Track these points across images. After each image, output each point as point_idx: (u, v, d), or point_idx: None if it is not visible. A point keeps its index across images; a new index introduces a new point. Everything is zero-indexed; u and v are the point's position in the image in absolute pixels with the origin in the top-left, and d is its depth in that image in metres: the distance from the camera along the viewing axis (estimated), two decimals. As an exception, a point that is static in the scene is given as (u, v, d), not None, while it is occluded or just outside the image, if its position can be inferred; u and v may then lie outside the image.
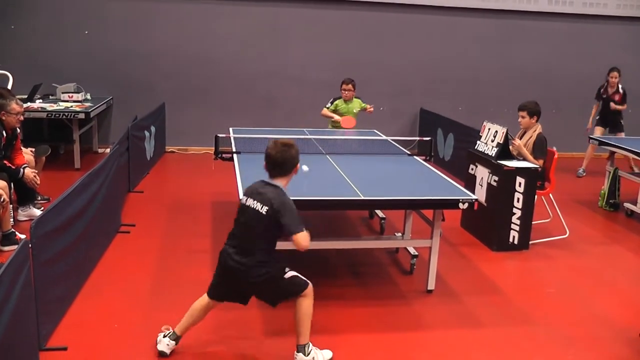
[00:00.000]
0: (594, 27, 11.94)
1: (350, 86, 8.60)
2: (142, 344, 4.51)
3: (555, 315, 5.30)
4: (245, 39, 10.99)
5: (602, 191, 8.63)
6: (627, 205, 8.24)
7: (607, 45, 11.98)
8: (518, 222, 6.71)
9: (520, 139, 7.17)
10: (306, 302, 4.24)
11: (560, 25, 11.79)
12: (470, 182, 7.25)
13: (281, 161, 4.18)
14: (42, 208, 7.02)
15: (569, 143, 10.89)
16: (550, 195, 7.21)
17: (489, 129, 7.19)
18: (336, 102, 8.67)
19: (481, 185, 7.04)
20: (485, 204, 6.86)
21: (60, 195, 4.83)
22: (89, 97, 10.25)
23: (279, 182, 4.22)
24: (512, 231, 6.73)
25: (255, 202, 4.16)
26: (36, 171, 6.79)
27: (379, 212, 7.33)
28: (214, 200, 8.12)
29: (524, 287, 6.01)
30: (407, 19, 11.37)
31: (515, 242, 6.76)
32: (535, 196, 6.78)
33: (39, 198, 7.38)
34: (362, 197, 5.17)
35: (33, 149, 7.29)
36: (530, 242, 6.86)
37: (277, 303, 4.30)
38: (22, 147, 6.86)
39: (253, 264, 4.15)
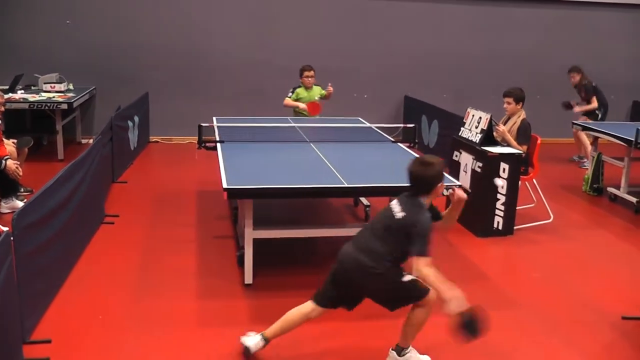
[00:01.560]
0: (580, 14, 11.94)
1: (312, 72, 8.59)
2: (127, 335, 4.49)
3: (540, 299, 5.33)
4: (230, 28, 10.94)
5: (586, 176, 8.67)
6: (611, 189, 8.29)
7: (594, 32, 12.01)
8: (502, 207, 6.73)
9: (505, 124, 7.19)
10: (423, 312, 4.06)
11: (546, 12, 11.81)
12: (454, 169, 7.26)
13: (421, 179, 4.03)
14: (25, 200, 6.97)
15: (553, 129, 10.91)
16: (534, 180, 7.23)
17: (473, 115, 7.20)
18: (297, 90, 8.64)
19: (465, 172, 7.05)
20: (469, 190, 6.86)
21: (43, 186, 4.79)
22: (71, 87, 10.17)
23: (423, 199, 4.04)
24: (496, 217, 6.75)
25: (396, 204, 4.03)
26: (18, 163, 6.75)
27: (364, 200, 7.33)
28: (198, 190, 8.09)
29: (509, 272, 6.04)
30: (392, 6, 11.34)
31: (500, 227, 6.78)
32: (519, 182, 6.81)
33: (22, 190, 7.32)
34: (346, 185, 5.17)
35: (15, 141, 7.24)
36: (515, 228, 6.88)
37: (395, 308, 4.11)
38: (3, 139, 6.80)
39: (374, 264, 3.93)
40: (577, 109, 10.07)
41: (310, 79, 8.57)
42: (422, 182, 4.00)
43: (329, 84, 8.62)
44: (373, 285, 4.01)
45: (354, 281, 4.02)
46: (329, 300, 4.13)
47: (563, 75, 10.43)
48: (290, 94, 8.63)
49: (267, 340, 4.16)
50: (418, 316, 4.04)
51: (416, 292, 4.00)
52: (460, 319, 3.63)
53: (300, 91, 8.61)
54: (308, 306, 4.14)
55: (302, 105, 8.50)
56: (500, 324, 4.86)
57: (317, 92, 8.65)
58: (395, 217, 3.94)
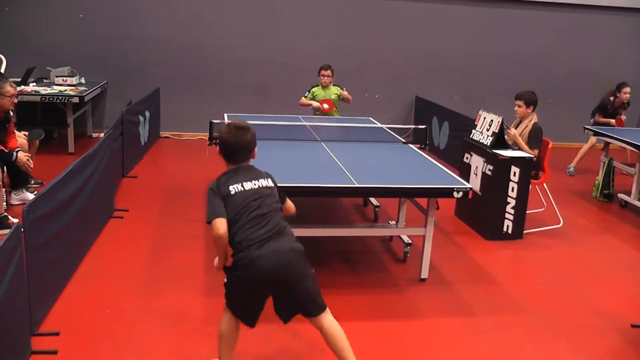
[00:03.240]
0: (591, 17, 11.89)
1: (329, 72, 8.57)
2: (135, 329, 4.50)
3: (547, 304, 5.31)
4: (239, 25, 10.93)
5: (597, 182, 8.64)
6: (621, 196, 8.26)
7: (604, 36, 11.96)
8: (512, 211, 6.70)
9: (516, 128, 7.17)
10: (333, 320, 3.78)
11: (557, 14, 11.75)
12: (464, 171, 7.25)
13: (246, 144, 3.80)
14: (35, 192, 6.99)
15: (563, 133, 10.88)
16: (545, 184, 7.21)
17: (484, 118, 7.18)
18: (313, 89, 8.65)
19: (476, 174, 7.04)
20: (479, 193, 6.85)
21: (53, 179, 4.80)
22: (83, 81, 10.19)
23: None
24: (506, 220, 6.73)
25: (255, 180, 3.73)
26: (29, 155, 6.75)
27: (373, 200, 7.33)
28: (207, 186, 8.08)
29: (517, 276, 6.02)
30: (403, 6, 11.32)
31: (509, 231, 6.76)
32: (530, 186, 6.79)
33: (32, 182, 7.35)
34: (357, 185, 5.16)
35: (26, 133, 7.26)
36: (524, 232, 6.86)
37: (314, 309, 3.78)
38: (15, 131, 6.81)
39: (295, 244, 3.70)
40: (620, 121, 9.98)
41: (326, 78, 8.55)
42: (247, 147, 3.80)
43: (343, 89, 8.61)
44: (308, 271, 3.77)
45: (293, 276, 3.66)
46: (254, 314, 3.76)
47: (575, 80, 10.40)
48: (307, 93, 8.63)
49: None
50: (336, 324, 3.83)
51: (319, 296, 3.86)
52: None
53: (317, 90, 8.61)
54: (231, 321, 3.81)
55: (315, 104, 8.51)
56: (506, 328, 4.87)
57: (333, 91, 8.62)
58: (270, 185, 3.77)
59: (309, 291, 3.71)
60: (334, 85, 8.66)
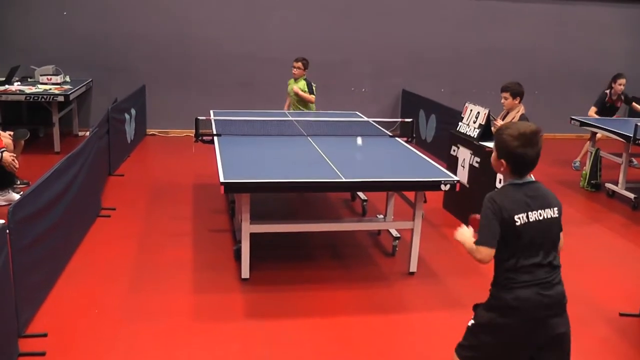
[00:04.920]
0: (576, 9, 11.91)
1: (298, 64, 8.58)
2: (123, 329, 4.48)
3: (536, 295, 5.32)
4: (224, 21, 10.89)
5: (584, 172, 8.67)
6: (609, 185, 8.28)
7: (590, 28, 11.97)
8: (500, 203, 6.70)
9: (503, 119, 7.17)
10: None
11: (542, 6, 11.77)
12: (452, 164, 7.25)
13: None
14: (22, 192, 6.94)
15: (550, 124, 10.89)
16: (532, 176, 7.20)
17: (471, 110, 7.18)
18: (289, 80, 8.76)
19: (463, 167, 7.04)
20: (467, 185, 6.86)
21: (39, 179, 4.77)
22: (68, 79, 10.13)
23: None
24: (494, 212, 6.72)
25: (541, 210, 3.12)
26: (15, 155, 6.72)
27: (361, 194, 7.32)
28: (195, 183, 8.07)
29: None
30: None
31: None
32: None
33: (18, 182, 7.29)
34: (344, 179, 5.14)
35: (11, 133, 7.21)
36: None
37: None
38: (0, 131, 6.77)
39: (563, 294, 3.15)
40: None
41: (295, 69, 8.58)
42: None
43: (313, 86, 8.62)
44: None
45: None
46: None
47: (561, 71, 10.42)
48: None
49: None
50: None
51: None
52: None
53: (290, 82, 8.67)
54: None
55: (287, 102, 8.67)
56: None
57: (300, 85, 8.57)
58: (556, 216, 3.17)
59: None
60: (305, 79, 8.60)
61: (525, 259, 3.02)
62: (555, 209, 3.14)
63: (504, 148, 3.12)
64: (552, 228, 3.09)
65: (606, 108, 9.63)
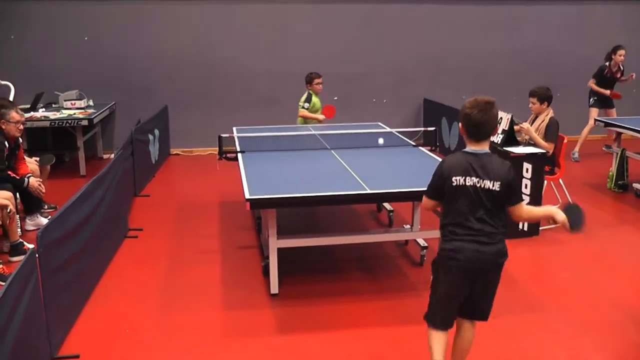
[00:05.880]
0: (595, 9, 11.85)
1: (321, 79, 8.70)
2: (155, 347, 4.50)
3: (568, 300, 5.26)
4: (244, 38, 10.95)
5: (611, 173, 8.58)
6: (636, 185, 8.19)
7: (609, 27, 11.87)
8: (527, 208, 6.65)
9: (532, 124, 7.15)
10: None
11: (561, 8, 11.71)
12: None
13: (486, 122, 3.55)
14: (49, 217, 7.01)
15: (573, 127, 10.80)
16: (560, 180, 7.16)
17: (493, 115, 7.14)
18: (313, 100, 8.71)
19: (488, 173, 6.99)
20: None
21: (66, 203, 4.81)
22: (91, 103, 10.24)
23: (486, 147, 3.60)
24: (521, 218, 6.68)
25: (479, 179, 3.51)
26: (41, 180, 6.79)
27: (387, 205, 7.30)
28: (220, 201, 8.10)
29: (536, 274, 5.97)
30: (407, 9, 11.30)
31: (525, 228, 6.71)
32: (545, 182, 6.74)
33: (46, 207, 7.37)
34: (369, 191, 5.14)
35: (37, 158, 7.29)
36: (540, 228, 6.81)
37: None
38: (25, 157, 6.85)
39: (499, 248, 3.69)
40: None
41: (321, 85, 8.64)
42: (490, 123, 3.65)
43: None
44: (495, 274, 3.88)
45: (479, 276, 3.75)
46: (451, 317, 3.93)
47: (581, 73, 10.36)
48: (307, 104, 8.61)
49: None
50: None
51: None
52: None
53: (315, 99, 8.64)
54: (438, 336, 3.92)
55: (321, 117, 8.56)
56: (528, 326, 4.82)
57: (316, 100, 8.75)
58: (496, 190, 3.54)
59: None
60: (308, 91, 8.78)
61: (459, 216, 3.55)
62: (498, 183, 3.50)
63: (462, 113, 3.58)
64: (488, 197, 3.51)
65: (606, 79, 10.08)
